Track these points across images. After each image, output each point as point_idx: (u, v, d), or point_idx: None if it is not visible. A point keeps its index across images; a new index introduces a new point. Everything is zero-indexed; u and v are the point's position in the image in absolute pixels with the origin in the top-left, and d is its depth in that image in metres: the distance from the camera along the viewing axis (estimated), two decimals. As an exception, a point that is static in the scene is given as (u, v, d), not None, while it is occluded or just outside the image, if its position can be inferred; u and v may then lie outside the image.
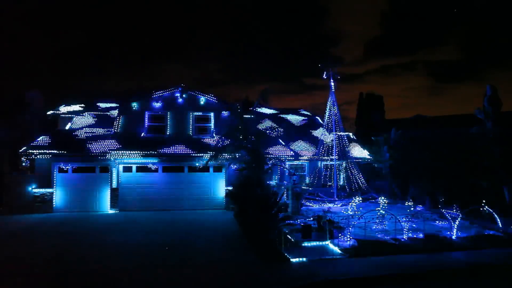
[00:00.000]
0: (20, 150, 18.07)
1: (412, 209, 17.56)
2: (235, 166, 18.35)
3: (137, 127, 21.26)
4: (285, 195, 18.06)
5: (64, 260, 10.53)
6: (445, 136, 22.01)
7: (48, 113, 24.15)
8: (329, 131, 23.19)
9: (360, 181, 22.67)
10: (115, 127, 21.27)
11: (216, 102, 22.07)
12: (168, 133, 21.44)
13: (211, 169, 20.08)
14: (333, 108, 23.11)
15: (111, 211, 18.66)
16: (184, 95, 21.91)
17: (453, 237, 12.85)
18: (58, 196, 18.53)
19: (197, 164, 19.53)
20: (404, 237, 12.62)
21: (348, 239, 11.83)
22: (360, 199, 20.98)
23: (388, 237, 12.69)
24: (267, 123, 26.03)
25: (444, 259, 10.75)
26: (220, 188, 20.00)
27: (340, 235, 12.34)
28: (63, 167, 18.72)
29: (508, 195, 16.03)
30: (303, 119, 29.03)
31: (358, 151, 25.86)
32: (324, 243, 12.01)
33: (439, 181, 18.84)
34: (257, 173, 14.55)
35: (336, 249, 11.36)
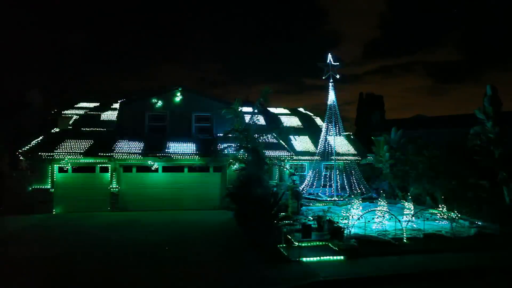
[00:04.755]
0: (20, 150, 18.05)
1: (412, 209, 17.55)
2: (235, 166, 18.34)
3: (137, 127, 21.24)
4: (285, 195, 18.04)
5: (64, 260, 10.53)
6: (445, 136, 21.98)
7: (49, 113, 24.14)
8: (329, 131, 23.17)
9: (360, 181, 22.65)
10: (115, 127, 21.26)
11: (216, 102, 22.05)
12: (168, 133, 21.43)
13: (211, 169, 20.07)
14: (333, 108, 23.09)
15: (111, 211, 18.62)
16: (184, 95, 21.89)
17: (453, 237, 12.84)
18: (58, 196, 18.48)
19: (197, 164, 19.50)
20: (404, 237, 12.61)
21: (348, 239, 11.81)
22: (360, 199, 20.98)
23: (388, 237, 12.68)
24: (267, 123, 26.01)
25: (444, 259, 10.75)
26: (220, 188, 19.98)
27: (339, 235, 12.32)
28: (63, 167, 18.70)
29: (508, 195, 16.00)
30: (304, 119, 29.03)
31: (358, 151, 25.84)
32: (324, 243, 12.01)
33: (439, 181, 18.81)
34: (257, 173, 14.54)
35: (336, 249, 11.34)
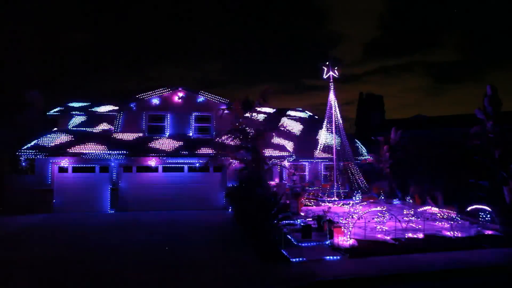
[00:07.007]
0: (20, 150, 18.06)
1: (412, 209, 17.57)
2: (235, 166, 18.34)
3: (137, 127, 21.25)
4: (285, 195, 18.05)
5: (64, 260, 10.52)
6: (445, 136, 22.01)
7: (48, 113, 24.11)
8: (329, 131, 23.18)
9: (360, 181, 22.67)
10: (115, 127, 21.26)
11: (216, 102, 22.05)
12: (168, 133, 21.44)
13: (211, 169, 20.07)
14: (333, 108, 23.09)
15: (111, 211, 18.64)
16: (183, 95, 21.89)
17: (453, 237, 12.84)
18: (58, 196, 18.49)
19: (197, 164, 19.51)
20: (404, 237, 12.61)
21: (348, 239, 11.82)
22: (360, 199, 20.99)
23: (388, 237, 12.68)
24: (267, 123, 25.98)
25: (444, 259, 10.75)
26: (220, 188, 19.98)
27: (339, 235, 12.31)
28: (63, 167, 18.69)
29: (508, 195, 15.99)
30: (304, 119, 29.02)
31: (358, 151, 25.85)
32: (324, 243, 12.01)
33: (439, 181, 18.82)
34: (257, 173, 14.57)
35: (336, 249, 11.34)
